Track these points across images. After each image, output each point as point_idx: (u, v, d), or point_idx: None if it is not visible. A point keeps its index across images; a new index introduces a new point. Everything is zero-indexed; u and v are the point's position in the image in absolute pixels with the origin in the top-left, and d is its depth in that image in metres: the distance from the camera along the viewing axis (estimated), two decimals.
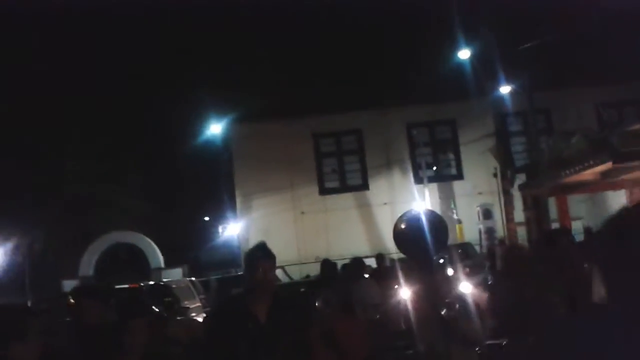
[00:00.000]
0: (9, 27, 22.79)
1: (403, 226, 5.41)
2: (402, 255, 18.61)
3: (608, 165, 11.02)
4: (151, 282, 9.41)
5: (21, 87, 27.17)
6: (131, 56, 29.78)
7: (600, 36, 18.78)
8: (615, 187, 13.53)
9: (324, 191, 24.93)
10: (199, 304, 9.97)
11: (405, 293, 6.18)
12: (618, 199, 16.03)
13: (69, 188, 24.61)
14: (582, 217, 19.83)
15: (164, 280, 10.23)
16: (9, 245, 23.45)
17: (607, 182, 12.76)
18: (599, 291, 3.60)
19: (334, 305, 4.86)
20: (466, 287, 4.75)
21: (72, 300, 4.06)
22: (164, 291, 6.12)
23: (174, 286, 9.57)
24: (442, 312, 4.61)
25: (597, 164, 11.15)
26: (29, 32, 27.33)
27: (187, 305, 8.41)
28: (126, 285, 9.34)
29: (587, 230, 10.00)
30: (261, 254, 3.88)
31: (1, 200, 23.58)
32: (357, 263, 8.13)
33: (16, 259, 24.29)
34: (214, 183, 27.61)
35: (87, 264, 21.76)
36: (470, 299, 4.39)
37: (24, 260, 24.82)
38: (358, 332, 4.82)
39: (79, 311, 3.93)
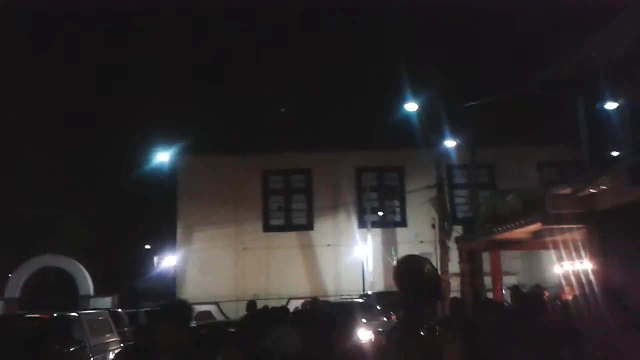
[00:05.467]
0: None
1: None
2: (339, 300, 18.14)
3: (538, 225, 11.28)
4: (60, 314, 8.79)
5: None
6: (84, 85, 29.48)
7: (544, 98, 19.48)
8: (547, 246, 13.84)
9: (268, 228, 24.74)
10: (116, 338, 9.57)
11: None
12: (551, 258, 16.42)
13: (11, 210, 23.66)
14: (516, 272, 20.25)
15: (80, 312, 9.75)
16: None
17: (538, 241, 13.04)
18: None
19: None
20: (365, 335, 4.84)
21: None
22: (71, 326, 5.72)
23: (89, 319, 9.08)
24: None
25: (527, 224, 11.40)
26: None
27: (101, 342, 7.98)
28: (37, 315, 8.85)
29: (515, 290, 10.05)
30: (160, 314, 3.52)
31: None
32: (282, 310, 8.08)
33: None
34: (157, 213, 27.04)
35: (15, 286, 20.76)
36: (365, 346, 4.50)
37: None
38: None
39: None
